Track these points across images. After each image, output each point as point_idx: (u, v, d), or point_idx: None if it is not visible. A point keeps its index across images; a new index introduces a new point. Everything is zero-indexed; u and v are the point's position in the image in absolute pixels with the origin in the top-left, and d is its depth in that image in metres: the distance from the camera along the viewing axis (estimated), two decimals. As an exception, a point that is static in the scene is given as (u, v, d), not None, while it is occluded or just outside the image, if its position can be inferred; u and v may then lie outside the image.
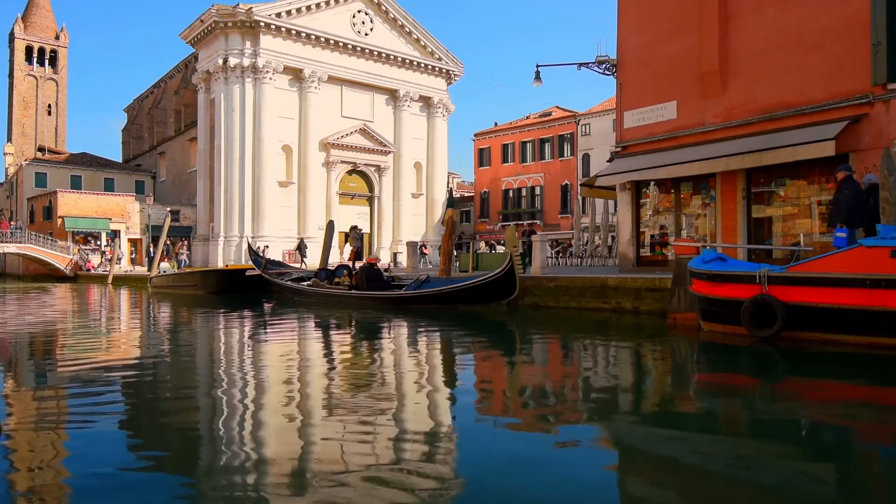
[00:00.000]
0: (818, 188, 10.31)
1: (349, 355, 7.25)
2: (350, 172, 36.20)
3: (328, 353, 7.29)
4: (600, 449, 3.50)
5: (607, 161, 15.23)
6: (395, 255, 32.58)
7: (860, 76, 9.42)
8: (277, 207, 32.73)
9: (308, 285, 15.08)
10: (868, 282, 6.26)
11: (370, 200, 37.38)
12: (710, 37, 11.30)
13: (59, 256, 34.62)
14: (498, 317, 11.03)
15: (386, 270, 17.27)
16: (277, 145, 32.81)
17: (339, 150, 35.05)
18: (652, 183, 12.74)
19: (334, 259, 22.96)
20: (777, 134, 10.18)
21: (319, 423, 3.93)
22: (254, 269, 18.17)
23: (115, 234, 36.14)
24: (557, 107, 44.29)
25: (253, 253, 19.91)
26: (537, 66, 15.58)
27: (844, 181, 7.59)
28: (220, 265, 29.64)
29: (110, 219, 36.72)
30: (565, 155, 40.63)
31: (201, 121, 34.93)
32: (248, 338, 8.73)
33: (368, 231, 36.23)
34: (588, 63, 13.91)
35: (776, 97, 10.46)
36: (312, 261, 24.83)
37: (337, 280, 14.75)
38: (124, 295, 20.18)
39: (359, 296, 13.37)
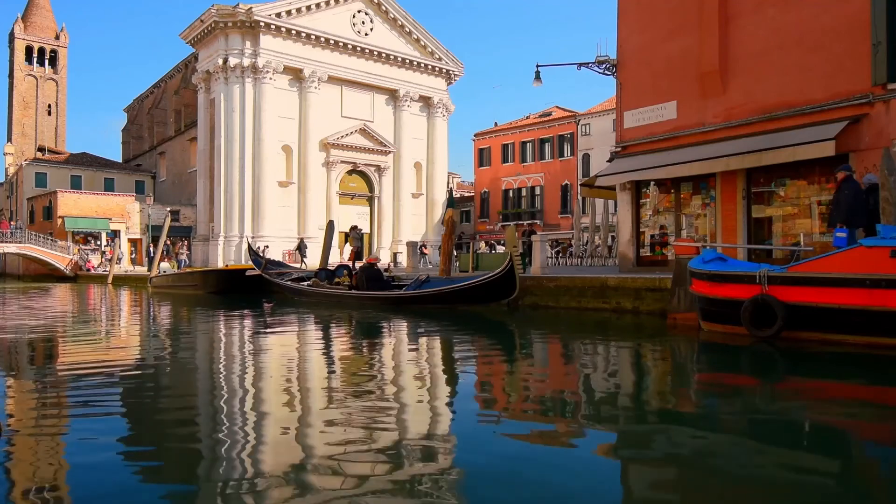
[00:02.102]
0: (818, 188, 10.31)
1: (349, 356, 7.24)
2: (350, 172, 36.21)
3: (328, 354, 7.29)
4: (601, 450, 3.49)
5: (607, 161, 15.23)
6: (395, 255, 32.58)
7: (860, 76, 9.42)
8: (277, 207, 32.73)
9: (308, 285, 15.08)
10: (868, 282, 6.26)
11: (370, 200, 37.38)
12: (710, 37, 11.30)
13: (59, 256, 34.62)
14: (498, 317, 11.02)
15: (386, 270, 17.27)
16: (277, 145, 32.82)
17: (339, 150, 35.05)
18: (652, 183, 12.73)
19: (334, 259, 22.95)
20: (777, 134, 10.18)
21: (318, 426, 3.92)
22: (254, 269, 18.18)
23: (115, 234, 36.13)
24: (557, 107, 44.29)
25: (253, 253, 19.92)
26: (537, 66, 15.59)
27: (844, 181, 7.59)
28: (220, 265, 29.64)
29: (110, 219, 36.72)
30: (565, 155, 40.63)
31: (201, 121, 34.93)
32: (248, 338, 8.72)
33: (368, 231, 36.24)
34: (588, 63, 13.91)
35: (776, 97, 10.46)
36: (312, 261, 24.83)
37: (337, 280, 14.75)
38: (124, 295, 20.18)
39: (359, 296, 13.37)
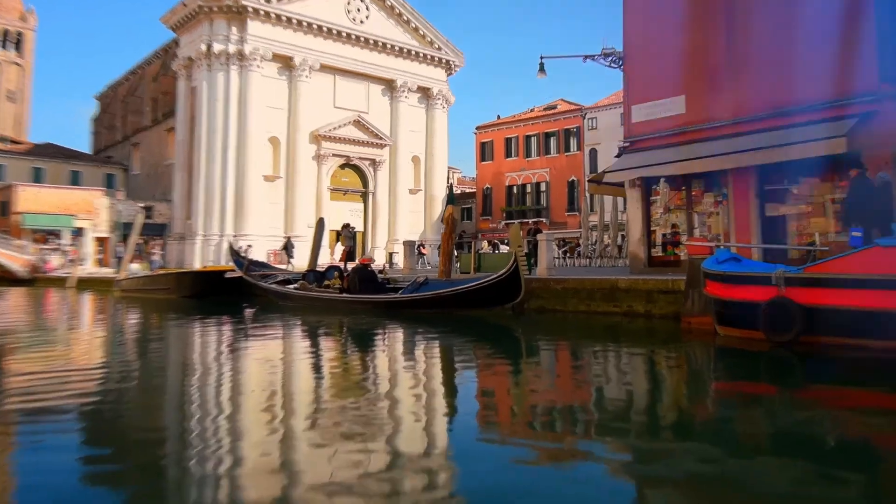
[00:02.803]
0: (831, 186, 10.50)
1: (339, 367, 7.10)
2: (343, 166, 36.25)
3: (316, 366, 7.07)
4: (613, 465, 3.52)
5: (615, 156, 15.40)
6: (390, 255, 32.62)
7: (871, 73, 9.62)
8: (263, 203, 32.65)
9: (295, 288, 15.02)
10: (884, 283, 6.40)
11: (364, 196, 37.41)
12: (718, 30, 11.47)
13: (13, 256, 33.39)
14: (502, 322, 11.06)
15: (380, 272, 17.32)
16: (264, 137, 32.82)
17: (331, 143, 35.10)
18: (662, 179, 12.88)
19: (324, 260, 22.99)
20: (787, 130, 10.35)
21: (304, 448, 3.78)
22: (234, 270, 18.00)
23: (78, 232, 35.15)
24: (563, 99, 44.50)
25: (234, 253, 19.58)
26: (541, 57, 15.76)
27: (857, 179, 7.77)
28: (197, 266, 29.46)
29: (75, 215, 35.49)
30: (571, 150, 40.82)
31: (181, 110, 34.93)
32: (226, 348, 8.41)
33: (362, 229, 36.27)
34: (594, 55, 14.09)
35: (786, 93, 10.64)
36: (300, 261, 24.81)
37: (327, 282, 14.75)
38: (87, 300, 19.52)
39: (351, 300, 13.36)
